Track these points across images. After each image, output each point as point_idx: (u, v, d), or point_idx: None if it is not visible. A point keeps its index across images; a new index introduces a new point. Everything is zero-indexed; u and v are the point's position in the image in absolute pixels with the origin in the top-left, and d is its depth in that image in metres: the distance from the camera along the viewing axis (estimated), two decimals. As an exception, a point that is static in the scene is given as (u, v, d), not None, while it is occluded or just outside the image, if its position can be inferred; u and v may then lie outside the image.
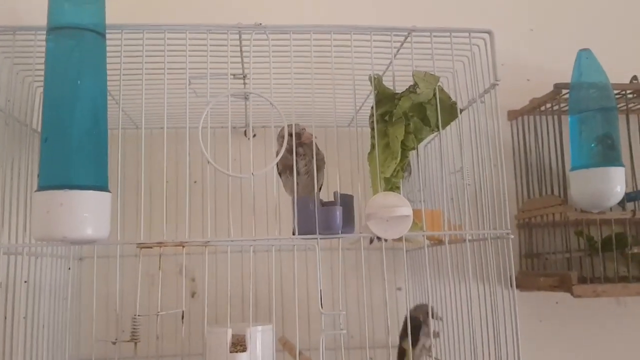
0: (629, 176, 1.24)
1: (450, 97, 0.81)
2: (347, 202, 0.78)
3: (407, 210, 0.75)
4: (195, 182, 1.01)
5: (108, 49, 0.73)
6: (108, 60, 0.73)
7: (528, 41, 1.41)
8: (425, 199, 1.13)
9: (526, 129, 1.30)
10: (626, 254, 1.15)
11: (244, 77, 0.97)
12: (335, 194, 0.75)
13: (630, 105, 1.25)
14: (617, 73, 1.24)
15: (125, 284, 0.80)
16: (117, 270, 0.73)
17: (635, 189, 1.22)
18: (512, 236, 0.82)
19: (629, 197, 1.19)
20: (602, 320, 1.33)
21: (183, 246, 0.72)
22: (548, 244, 1.23)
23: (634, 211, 1.13)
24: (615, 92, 1.19)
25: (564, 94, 1.19)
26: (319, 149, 0.87)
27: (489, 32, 0.82)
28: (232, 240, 0.73)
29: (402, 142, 0.76)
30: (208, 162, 0.74)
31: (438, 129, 0.79)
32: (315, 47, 0.81)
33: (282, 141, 0.77)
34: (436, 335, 1.07)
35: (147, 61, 0.77)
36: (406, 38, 0.82)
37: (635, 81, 1.21)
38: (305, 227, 0.76)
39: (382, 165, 0.76)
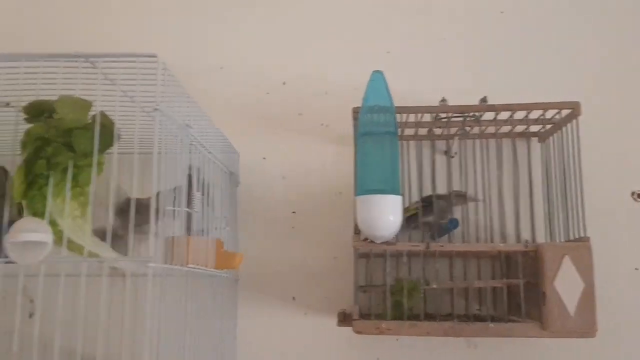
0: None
1: (113, 123, 0.81)
2: (-1, 228, 0.80)
3: (40, 236, 0.76)
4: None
5: None
6: None
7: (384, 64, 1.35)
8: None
9: (358, 155, 1.24)
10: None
11: (7, 104, 1.02)
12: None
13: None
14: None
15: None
16: None
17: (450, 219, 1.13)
18: (153, 265, 0.78)
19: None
20: (448, 362, 1.22)
21: None
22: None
23: (427, 243, 1.04)
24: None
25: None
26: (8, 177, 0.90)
27: (154, 56, 0.82)
28: None
29: (29, 167, 0.77)
30: None
31: (90, 154, 0.79)
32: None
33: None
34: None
35: None
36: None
37: (443, 102, 1.13)
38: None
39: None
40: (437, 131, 1.22)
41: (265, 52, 1.38)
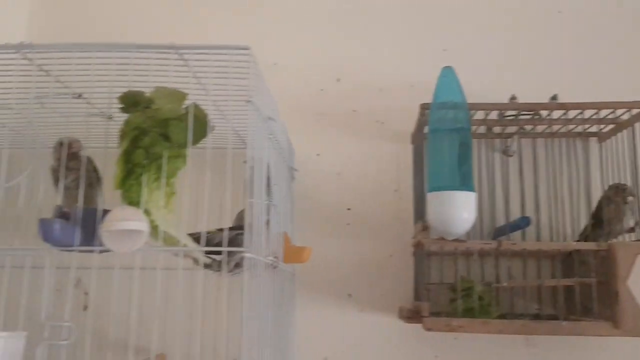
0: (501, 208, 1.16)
1: (206, 115, 0.80)
2: (88, 216, 0.79)
3: (137, 225, 0.76)
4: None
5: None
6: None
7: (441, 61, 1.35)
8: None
9: (419, 152, 1.24)
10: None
11: (79, 96, 1.01)
12: (57, 207, 0.77)
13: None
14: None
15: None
16: None
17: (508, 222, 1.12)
18: (248, 255, 0.78)
19: (498, 232, 1.10)
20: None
21: None
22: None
23: (500, 241, 1.04)
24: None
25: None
26: (95, 167, 0.90)
27: (247, 49, 0.81)
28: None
29: (128, 157, 0.76)
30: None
31: (185, 145, 0.79)
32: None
33: (57, 154, 0.82)
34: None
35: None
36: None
37: (513, 99, 1.12)
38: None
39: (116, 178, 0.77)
40: (497, 129, 1.22)
41: (319, 49, 1.38)
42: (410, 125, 1.28)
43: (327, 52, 1.37)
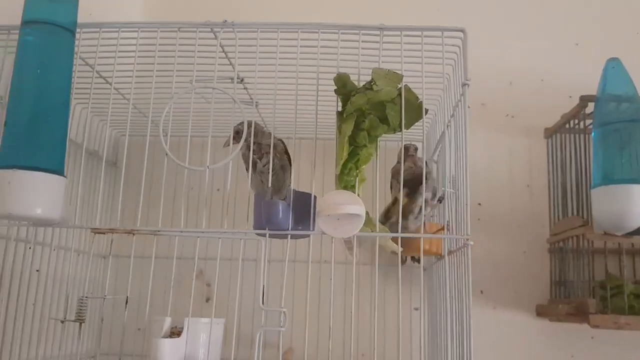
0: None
1: (417, 97, 0.78)
2: (303, 200, 0.76)
3: (356, 209, 0.73)
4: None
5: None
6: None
7: (573, 56, 1.33)
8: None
9: (558, 147, 1.21)
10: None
11: (241, 80, 0.99)
12: (264, 191, 0.75)
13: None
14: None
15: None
16: (71, 253, 0.77)
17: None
18: (472, 243, 0.75)
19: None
20: (646, 361, 1.19)
21: (133, 233, 0.74)
22: (579, 271, 1.14)
23: (669, 237, 1.01)
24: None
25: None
26: (286, 151, 0.87)
27: (462, 31, 0.79)
28: (181, 231, 0.75)
29: (352, 139, 0.74)
30: (166, 154, 0.76)
31: (400, 128, 0.76)
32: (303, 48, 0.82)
33: (238, 137, 0.79)
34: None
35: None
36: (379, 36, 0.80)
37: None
38: (257, 221, 0.76)
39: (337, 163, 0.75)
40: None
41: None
42: (542, 119, 1.27)
43: (454, 44, 1.35)
